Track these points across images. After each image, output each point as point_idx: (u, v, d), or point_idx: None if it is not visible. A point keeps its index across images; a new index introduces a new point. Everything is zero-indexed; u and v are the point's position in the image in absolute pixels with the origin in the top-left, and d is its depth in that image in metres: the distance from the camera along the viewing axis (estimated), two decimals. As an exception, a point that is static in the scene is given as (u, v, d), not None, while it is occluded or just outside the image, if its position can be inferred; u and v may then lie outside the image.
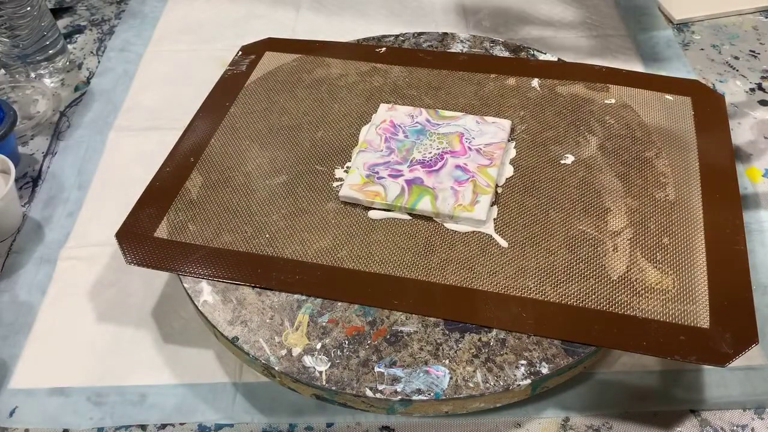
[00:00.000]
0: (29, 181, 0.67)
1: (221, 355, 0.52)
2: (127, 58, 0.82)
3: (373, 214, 0.53)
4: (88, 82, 0.79)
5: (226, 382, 0.51)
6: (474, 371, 0.43)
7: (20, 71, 0.77)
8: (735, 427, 0.47)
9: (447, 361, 0.44)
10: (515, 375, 0.43)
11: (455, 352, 0.44)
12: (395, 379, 0.43)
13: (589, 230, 0.51)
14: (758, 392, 0.49)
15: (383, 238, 0.51)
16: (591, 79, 0.63)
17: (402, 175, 0.54)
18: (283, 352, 0.45)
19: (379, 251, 0.50)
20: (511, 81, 0.63)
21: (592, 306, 0.46)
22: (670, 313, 0.45)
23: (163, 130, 0.71)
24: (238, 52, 0.69)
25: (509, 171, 0.55)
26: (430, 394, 0.42)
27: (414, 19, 0.85)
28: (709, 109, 0.59)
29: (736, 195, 0.52)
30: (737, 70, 0.76)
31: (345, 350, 0.45)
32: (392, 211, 0.53)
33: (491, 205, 0.52)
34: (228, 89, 0.65)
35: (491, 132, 0.57)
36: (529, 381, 0.43)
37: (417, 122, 0.59)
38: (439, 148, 0.56)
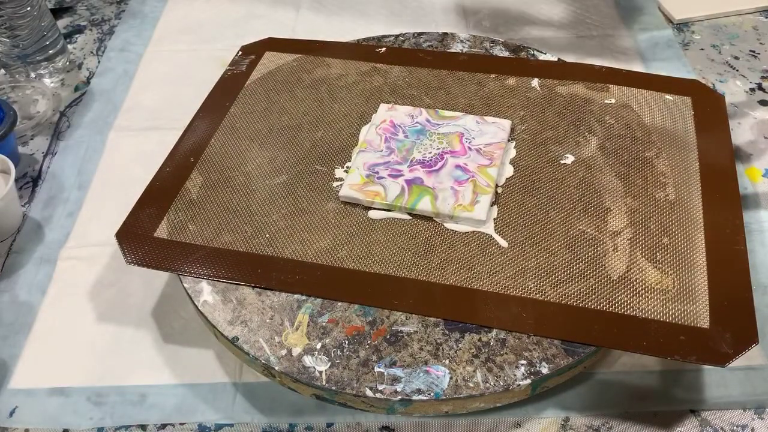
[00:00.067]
0: (29, 181, 0.67)
1: (221, 355, 0.52)
2: (127, 58, 0.82)
3: (373, 214, 0.53)
4: (88, 82, 0.79)
5: (226, 382, 0.51)
6: (474, 371, 0.43)
7: (20, 71, 0.77)
8: (735, 427, 0.47)
9: (447, 361, 0.44)
10: (515, 375, 0.43)
11: (455, 352, 0.44)
12: (395, 379, 0.43)
13: (589, 230, 0.51)
14: (758, 392, 0.49)
15: (383, 238, 0.51)
16: (591, 79, 0.63)
17: (402, 175, 0.54)
18: (283, 352, 0.45)
19: (379, 251, 0.50)
20: (511, 81, 0.63)
21: (592, 306, 0.46)
22: (670, 313, 0.45)
23: (163, 130, 0.71)
24: (238, 52, 0.69)
25: (509, 171, 0.55)
26: (430, 394, 0.42)
27: (414, 19, 0.85)
28: (709, 109, 0.59)
29: (736, 195, 0.52)
30: (737, 70, 0.76)
31: (345, 350, 0.45)
32: (392, 211, 0.53)
33: (491, 205, 0.52)
34: (228, 89, 0.65)
35: (491, 132, 0.57)
36: (529, 381, 0.43)
37: (417, 122, 0.59)
38: (439, 148, 0.56)
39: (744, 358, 0.43)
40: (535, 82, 0.63)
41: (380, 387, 0.43)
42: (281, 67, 0.67)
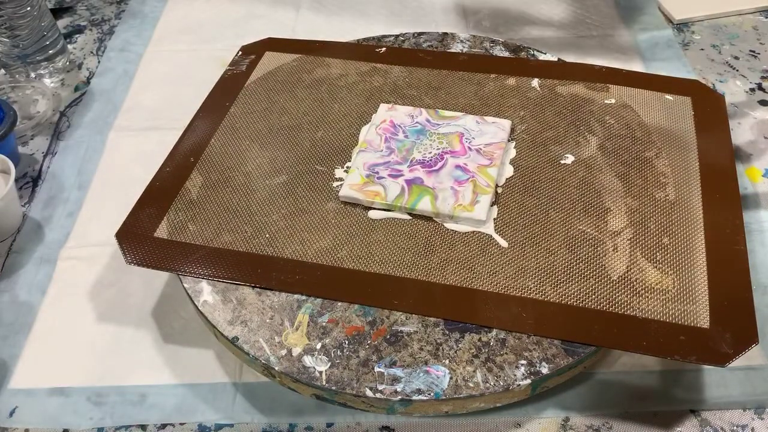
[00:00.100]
0: (29, 181, 0.67)
1: (221, 355, 0.52)
2: (127, 58, 0.82)
3: (373, 214, 0.53)
4: (88, 82, 0.79)
5: (226, 382, 0.51)
6: (474, 371, 0.43)
7: (20, 71, 0.77)
8: (735, 427, 0.47)
9: (447, 361, 0.44)
10: (515, 375, 0.43)
11: (455, 352, 0.44)
12: (395, 379, 0.43)
13: (589, 230, 0.51)
14: (758, 392, 0.49)
15: (383, 238, 0.51)
16: (591, 79, 0.63)
17: (402, 175, 0.54)
18: (283, 352, 0.45)
19: (379, 251, 0.50)
20: (511, 81, 0.63)
21: (592, 306, 0.46)
22: (670, 313, 0.45)
23: (163, 130, 0.71)
24: (238, 52, 0.69)
25: (509, 171, 0.55)
26: (430, 394, 0.42)
27: (414, 19, 0.85)
28: (709, 109, 0.59)
29: (736, 195, 0.52)
30: (737, 70, 0.76)
31: (345, 350, 0.45)
32: (392, 211, 0.53)
33: (491, 205, 0.52)
34: (228, 89, 0.65)
35: (491, 132, 0.57)
36: (529, 381, 0.43)
37: (417, 122, 0.59)
38: (439, 148, 0.56)
39: (744, 358, 0.43)
40: (535, 82, 0.63)
41: (380, 387, 0.43)
42: (281, 67, 0.67)
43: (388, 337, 0.45)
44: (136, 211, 0.53)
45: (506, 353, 0.44)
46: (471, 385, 0.43)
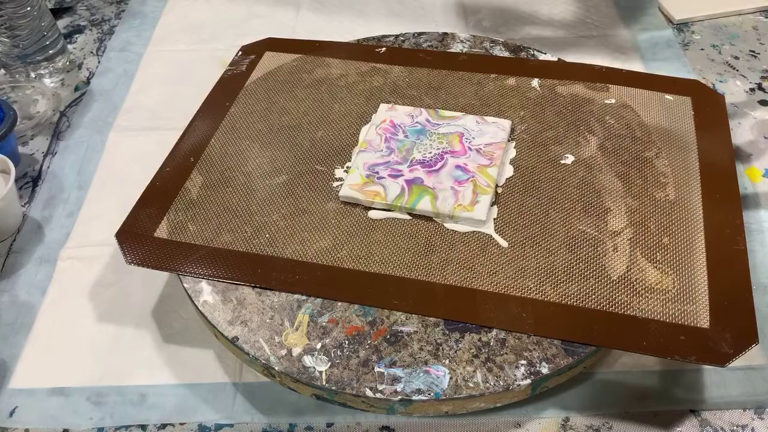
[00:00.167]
0: (29, 181, 0.67)
1: (221, 355, 0.52)
2: (127, 58, 0.82)
3: (373, 214, 0.53)
4: (88, 82, 0.79)
5: (226, 382, 0.51)
6: (474, 371, 0.43)
7: (20, 71, 0.77)
8: (735, 427, 0.47)
9: (447, 361, 0.44)
10: (515, 375, 0.43)
11: (455, 352, 0.44)
12: (395, 379, 0.43)
13: (589, 230, 0.51)
14: (758, 392, 0.49)
15: (383, 238, 0.51)
16: (591, 79, 0.63)
17: (402, 175, 0.54)
18: (283, 352, 0.45)
19: (379, 251, 0.50)
20: (511, 81, 0.63)
21: (592, 306, 0.46)
22: (670, 313, 0.45)
23: (163, 130, 0.71)
24: (238, 52, 0.69)
25: (509, 171, 0.55)
26: (430, 394, 0.42)
27: (414, 19, 0.85)
28: (709, 109, 0.59)
29: (736, 195, 0.52)
30: (737, 70, 0.76)
31: (345, 350, 0.45)
32: (392, 211, 0.53)
33: (491, 205, 0.52)
34: (228, 89, 0.65)
35: (491, 132, 0.57)
36: (529, 381, 0.43)
37: (417, 122, 0.59)
38: (439, 148, 0.56)
39: (744, 358, 0.43)
40: (535, 82, 0.63)
41: (380, 387, 0.43)
42: (281, 67, 0.67)
43: (388, 337, 0.45)
44: (136, 211, 0.53)
45: (506, 353, 0.44)
46: (471, 385, 0.43)
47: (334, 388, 0.43)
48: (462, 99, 0.62)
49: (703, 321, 0.44)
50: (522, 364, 0.43)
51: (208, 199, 0.55)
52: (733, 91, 0.73)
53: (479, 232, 0.51)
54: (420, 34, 0.70)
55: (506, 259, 0.49)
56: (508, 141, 0.58)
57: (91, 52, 0.83)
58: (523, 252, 0.49)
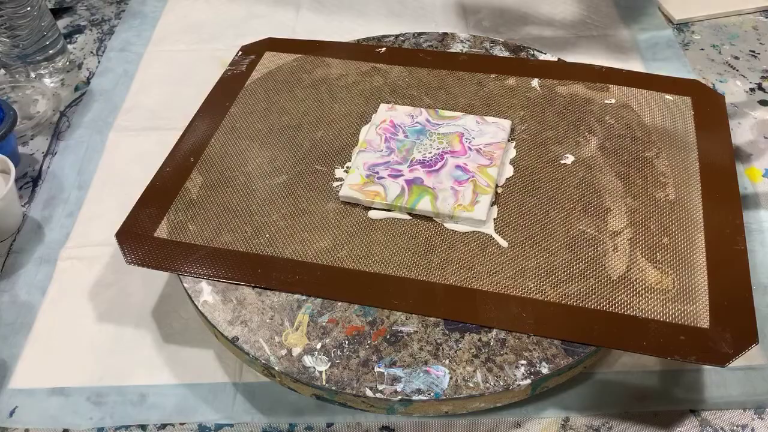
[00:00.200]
0: (29, 181, 0.67)
1: (221, 355, 0.52)
2: (127, 58, 0.82)
3: (373, 214, 0.53)
4: (88, 82, 0.79)
5: (226, 382, 0.51)
6: (474, 371, 0.43)
7: (20, 71, 0.77)
8: (735, 427, 0.47)
9: (447, 361, 0.44)
10: (515, 375, 0.43)
11: (455, 352, 0.44)
12: (395, 379, 0.43)
13: (589, 230, 0.51)
14: (758, 392, 0.49)
15: (383, 238, 0.51)
16: (591, 79, 0.63)
17: (402, 175, 0.54)
18: (283, 352, 0.45)
19: (379, 251, 0.50)
20: (511, 81, 0.63)
21: (592, 306, 0.46)
22: (670, 313, 0.45)
23: (163, 130, 0.71)
24: (238, 52, 0.69)
25: (509, 171, 0.55)
26: (430, 394, 0.42)
27: (414, 19, 0.85)
28: (709, 109, 0.59)
29: (736, 195, 0.52)
30: (737, 70, 0.76)
31: (345, 350, 0.45)
32: (392, 211, 0.53)
33: (491, 205, 0.52)
34: (228, 89, 0.65)
35: (491, 132, 0.57)
36: (529, 381, 0.43)
37: (417, 122, 0.59)
38: (439, 148, 0.56)
39: (744, 358, 0.43)
40: (535, 82, 0.63)
41: (380, 387, 0.43)
42: (281, 67, 0.67)
43: (388, 337, 0.45)
44: (136, 211, 0.53)
45: (506, 353, 0.44)
46: (471, 385, 0.43)
47: (334, 388, 0.43)
48: (462, 99, 0.62)
49: (703, 321, 0.44)
50: (522, 364, 0.43)
51: (208, 199, 0.55)
52: (733, 91, 0.73)
53: (479, 232, 0.51)
54: (420, 34, 0.70)
55: (506, 259, 0.49)
56: (508, 141, 0.58)
57: (91, 52, 0.83)
58: (523, 252, 0.49)
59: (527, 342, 0.45)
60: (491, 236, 0.50)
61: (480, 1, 0.88)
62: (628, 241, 0.50)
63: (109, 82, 0.78)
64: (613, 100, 0.61)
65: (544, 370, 0.43)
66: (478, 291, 0.47)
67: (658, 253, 0.49)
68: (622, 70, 0.64)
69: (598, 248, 0.49)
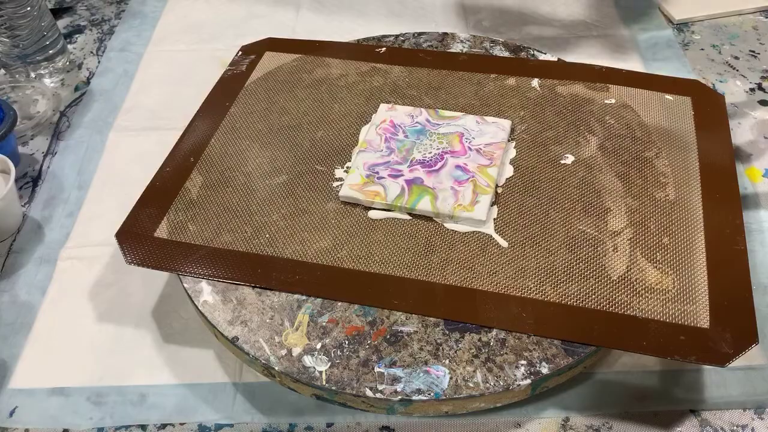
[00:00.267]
0: (29, 181, 0.67)
1: (221, 355, 0.52)
2: (127, 58, 0.82)
3: (373, 214, 0.53)
4: (88, 82, 0.79)
5: (226, 382, 0.51)
6: (474, 371, 0.43)
7: (20, 71, 0.77)
8: (735, 427, 0.47)
9: (447, 361, 0.44)
10: (515, 375, 0.43)
11: (455, 352, 0.44)
12: (395, 379, 0.43)
13: (589, 230, 0.51)
14: (758, 392, 0.49)
15: (383, 238, 0.51)
16: (591, 79, 0.63)
17: (402, 175, 0.54)
18: (283, 352, 0.45)
19: (379, 251, 0.50)
20: (511, 81, 0.63)
21: (592, 306, 0.46)
22: (670, 313, 0.45)
23: (163, 130, 0.71)
24: (238, 52, 0.69)
25: (509, 171, 0.55)
26: (430, 394, 0.42)
27: (414, 19, 0.85)
28: (709, 109, 0.59)
29: (736, 195, 0.52)
30: (737, 70, 0.76)
31: (345, 350, 0.45)
32: (392, 211, 0.53)
33: (491, 205, 0.52)
34: (228, 89, 0.65)
35: (491, 132, 0.57)
36: (529, 381, 0.43)
37: (417, 122, 0.59)
38: (439, 148, 0.56)
39: (744, 358, 0.43)
40: (535, 82, 0.63)
41: (380, 387, 0.43)
42: (281, 67, 0.67)
43: (388, 337, 0.45)
44: (136, 211, 0.53)
45: (506, 353, 0.44)
46: (471, 385, 0.43)
47: (334, 388, 0.43)
48: (462, 99, 0.62)
49: (703, 321, 0.44)
50: (522, 364, 0.43)
51: (208, 199, 0.55)
52: (733, 91, 0.73)
53: (479, 232, 0.51)
54: (420, 34, 0.70)
55: (506, 259, 0.49)
56: (508, 141, 0.58)
57: (91, 52, 0.83)
58: (523, 252, 0.49)
59: (527, 342, 0.45)
60: (491, 236, 0.50)
61: (480, 1, 0.88)
62: (628, 241, 0.50)
63: (109, 82, 0.78)
64: (613, 100, 0.61)
65: (544, 370, 0.43)
66: (478, 291, 0.47)
67: (658, 253, 0.49)
68: (622, 70, 0.64)
69: (598, 248, 0.49)
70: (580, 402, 0.49)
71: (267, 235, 0.51)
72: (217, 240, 0.51)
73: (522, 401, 0.48)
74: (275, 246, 0.51)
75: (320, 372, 0.44)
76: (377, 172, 0.55)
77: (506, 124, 0.58)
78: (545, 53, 0.67)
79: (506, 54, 0.67)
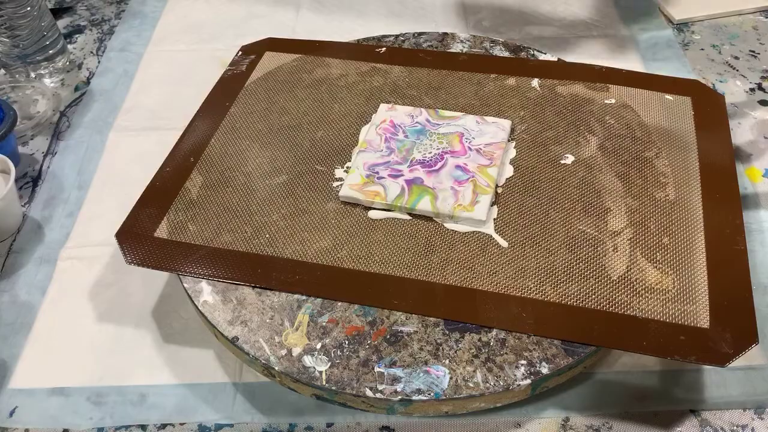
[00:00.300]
0: (29, 181, 0.67)
1: (221, 355, 0.52)
2: (127, 58, 0.82)
3: (373, 214, 0.53)
4: (88, 82, 0.79)
5: (226, 382, 0.51)
6: (474, 371, 0.43)
7: (20, 71, 0.77)
8: (735, 427, 0.47)
9: (447, 361, 0.44)
10: (515, 375, 0.43)
11: (455, 352, 0.44)
12: (395, 379, 0.43)
13: (589, 230, 0.51)
14: (758, 392, 0.49)
15: (383, 238, 0.51)
16: (591, 79, 0.63)
17: (402, 175, 0.54)
18: (283, 352, 0.45)
19: (379, 251, 0.50)
20: (511, 81, 0.63)
21: (592, 306, 0.46)
22: (670, 313, 0.45)
23: (163, 130, 0.71)
24: (238, 52, 0.69)
25: (509, 171, 0.55)
26: (430, 394, 0.42)
27: (414, 19, 0.85)
28: (709, 109, 0.59)
29: (736, 195, 0.52)
30: (737, 70, 0.76)
31: (345, 350, 0.45)
32: (392, 211, 0.53)
33: (491, 205, 0.52)
34: (228, 89, 0.65)
35: (491, 132, 0.57)
36: (529, 381, 0.43)
37: (417, 122, 0.59)
38: (439, 148, 0.56)
39: (744, 358, 0.43)
40: (535, 82, 0.63)
41: (380, 387, 0.43)
42: (281, 67, 0.67)
43: (388, 337, 0.45)
44: (136, 211, 0.53)
45: (506, 353, 0.44)
46: (471, 385, 0.43)
47: (334, 388, 0.43)
48: (462, 99, 0.62)
49: (703, 321, 0.44)
50: (522, 364, 0.43)
51: (208, 199, 0.55)
52: (733, 91, 0.73)
53: (479, 232, 0.51)
54: (420, 34, 0.70)
55: (506, 259, 0.49)
56: (508, 141, 0.58)
57: (91, 52, 0.83)
58: (523, 252, 0.49)
59: (527, 342, 0.45)
60: (491, 236, 0.50)
61: (480, 1, 0.88)
62: (628, 241, 0.50)
63: (109, 82, 0.78)
64: (613, 100, 0.61)
65: (544, 370, 0.43)
66: (478, 291, 0.47)
67: (658, 253, 0.49)
68: (622, 70, 0.64)
69: (598, 248, 0.49)
70: (580, 402, 0.49)
71: (267, 235, 0.51)
72: (217, 240, 0.51)
73: (522, 401, 0.48)
74: (275, 246, 0.51)
75: (320, 372, 0.44)
76: (377, 172, 0.55)
77: (506, 124, 0.58)
78: (545, 53, 0.67)
79: (506, 54, 0.67)
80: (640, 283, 0.47)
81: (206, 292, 0.48)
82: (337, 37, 0.74)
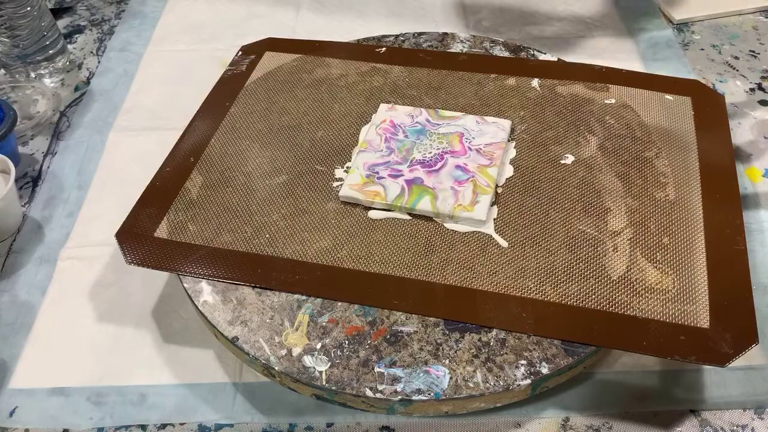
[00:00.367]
0: (29, 181, 0.67)
1: (221, 355, 0.52)
2: (127, 58, 0.82)
3: (373, 214, 0.53)
4: (88, 82, 0.79)
5: (226, 382, 0.51)
6: (474, 371, 0.43)
7: (20, 71, 0.77)
8: (735, 427, 0.47)
9: (447, 361, 0.44)
10: (515, 375, 0.43)
11: (455, 352, 0.44)
12: (395, 379, 0.43)
13: (589, 230, 0.51)
14: (758, 392, 0.49)
15: (383, 238, 0.51)
16: (591, 79, 0.63)
17: (402, 175, 0.54)
18: (283, 352, 0.45)
19: (379, 251, 0.50)
20: (511, 81, 0.63)
21: (592, 306, 0.46)
22: (670, 313, 0.45)
23: (163, 130, 0.71)
24: (238, 52, 0.69)
25: (509, 171, 0.55)
26: (430, 394, 0.42)
27: (414, 19, 0.85)
28: (709, 109, 0.59)
29: (736, 195, 0.52)
30: (737, 70, 0.76)
31: (345, 350, 0.45)
32: (392, 211, 0.53)
33: (491, 205, 0.52)
34: (228, 89, 0.65)
35: (491, 132, 0.57)
36: (529, 381, 0.43)
37: (417, 122, 0.59)
38: (439, 148, 0.56)
39: (744, 358, 0.43)
40: (535, 82, 0.63)
41: (380, 387, 0.43)
42: (281, 67, 0.67)
43: (388, 337, 0.45)
44: (136, 211, 0.53)
45: (506, 353, 0.44)
46: (471, 385, 0.43)
47: (334, 388, 0.43)
48: (462, 99, 0.62)
49: (703, 321, 0.44)
50: (522, 364, 0.43)
51: (208, 199, 0.55)
52: (733, 91, 0.73)
53: (479, 232, 0.51)
54: (420, 34, 0.70)
55: (506, 259, 0.49)
56: (508, 141, 0.58)
57: (91, 52, 0.83)
58: (523, 252, 0.49)
59: (527, 342, 0.45)
60: (491, 236, 0.50)
61: (480, 1, 0.88)
62: (628, 241, 0.50)
63: (109, 82, 0.78)
64: (613, 100, 0.61)
65: (544, 370, 0.43)
66: (478, 291, 0.47)
67: (658, 253, 0.49)
68: (622, 70, 0.64)
69: (598, 248, 0.49)
70: (580, 402, 0.49)
71: (267, 235, 0.51)
72: (217, 240, 0.51)
73: (522, 401, 0.48)
74: (275, 246, 0.51)
75: (320, 372, 0.44)
76: (377, 172, 0.55)
77: (506, 124, 0.58)
78: (545, 53, 0.67)
79: (506, 54, 0.67)
80: (640, 283, 0.47)
81: (206, 292, 0.48)
82: (337, 37, 0.74)
